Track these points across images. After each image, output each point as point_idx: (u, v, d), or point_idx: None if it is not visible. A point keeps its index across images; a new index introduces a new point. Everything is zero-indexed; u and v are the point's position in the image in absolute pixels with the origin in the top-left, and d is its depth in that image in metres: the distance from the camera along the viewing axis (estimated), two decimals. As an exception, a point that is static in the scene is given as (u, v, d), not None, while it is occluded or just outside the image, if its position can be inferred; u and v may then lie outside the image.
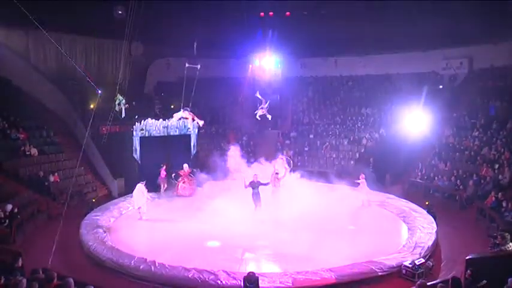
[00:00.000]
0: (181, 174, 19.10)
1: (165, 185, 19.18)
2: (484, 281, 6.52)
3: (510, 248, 8.72)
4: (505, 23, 19.15)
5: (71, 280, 7.02)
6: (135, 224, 15.17)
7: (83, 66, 23.39)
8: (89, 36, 23.92)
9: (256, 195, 15.23)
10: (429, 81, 25.89)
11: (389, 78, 27.76)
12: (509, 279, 5.82)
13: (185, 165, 19.31)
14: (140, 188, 15.72)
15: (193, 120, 16.78)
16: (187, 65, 16.65)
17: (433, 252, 11.84)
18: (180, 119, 17.08)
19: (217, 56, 26.95)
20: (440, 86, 25.05)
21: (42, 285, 6.41)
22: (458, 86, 24.57)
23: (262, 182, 15.37)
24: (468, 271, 7.24)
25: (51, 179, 17.64)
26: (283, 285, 9.75)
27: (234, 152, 19.19)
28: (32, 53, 22.47)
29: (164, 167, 19.20)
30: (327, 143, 24.41)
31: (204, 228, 14.43)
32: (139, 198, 15.58)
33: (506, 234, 8.93)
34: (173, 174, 19.09)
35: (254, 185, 15.27)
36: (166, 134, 20.52)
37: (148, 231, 14.46)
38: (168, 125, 20.56)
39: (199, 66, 16.77)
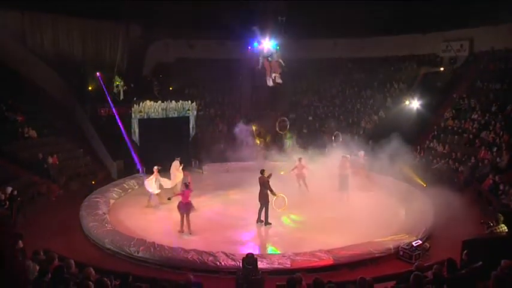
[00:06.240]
0: None
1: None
2: (480, 263, 6.60)
3: (502, 229, 8.85)
4: (506, 5, 18.95)
5: (72, 261, 7.11)
6: (135, 206, 15.24)
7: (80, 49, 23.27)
8: (86, 18, 23.60)
9: (263, 195, 13.20)
10: (429, 63, 25.78)
11: (388, 60, 27.58)
12: (503, 261, 5.90)
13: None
14: (176, 164, 15.97)
15: None
16: None
17: (430, 234, 11.97)
18: None
19: (217, 38, 26.71)
20: (441, 68, 24.87)
21: (43, 266, 6.48)
22: (458, 69, 24.40)
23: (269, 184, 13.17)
24: (464, 252, 7.33)
25: (50, 160, 17.63)
26: (281, 267, 9.89)
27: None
28: (29, 35, 22.17)
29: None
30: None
31: (203, 210, 14.54)
32: (176, 175, 15.84)
33: (500, 215, 9.06)
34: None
35: (261, 182, 13.23)
36: (165, 116, 20.49)
37: (148, 213, 14.55)
38: (166, 107, 20.51)
39: None
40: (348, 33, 26.11)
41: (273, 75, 13.69)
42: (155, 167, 15.30)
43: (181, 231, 12.64)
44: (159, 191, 15.13)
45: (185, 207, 12.60)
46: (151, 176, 15.11)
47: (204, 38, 26.79)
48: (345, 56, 28.94)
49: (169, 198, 13.69)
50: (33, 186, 15.92)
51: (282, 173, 16.70)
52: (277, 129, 20.38)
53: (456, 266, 6.86)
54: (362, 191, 15.77)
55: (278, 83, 13.93)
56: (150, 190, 14.98)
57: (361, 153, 17.31)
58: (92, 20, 23.76)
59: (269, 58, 13.49)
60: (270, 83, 13.99)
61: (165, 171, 16.74)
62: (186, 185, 13.22)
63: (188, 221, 12.60)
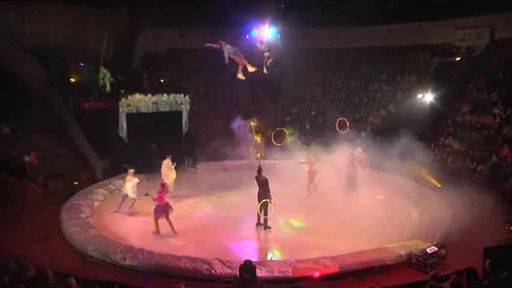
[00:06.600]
0: None
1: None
2: (505, 274, 6.37)
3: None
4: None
5: (50, 272, 6.91)
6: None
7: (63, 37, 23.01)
8: (70, 4, 23.33)
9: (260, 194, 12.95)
10: (443, 53, 25.61)
11: (399, 51, 27.39)
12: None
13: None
14: (168, 163, 15.99)
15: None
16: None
17: (447, 240, 11.77)
18: None
19: (213, 27, 26.55)
20: (458, 58, 24.66)
21: (15, 276, 6.28)
22: (476, 58, 24.16)
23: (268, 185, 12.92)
24: (487, 262, 7.13)
25: (26, 159, 17.30)
26: (282, 275, 9.74)
27: None
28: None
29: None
30: None
31: (197, 212, 14.48)
32: (168, 174, 15.80)
33: None
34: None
35: (260, 183, 13.04)
36: (155, 111, 20.34)
37: (136, 217, 14.37)
38: (157, 101, 20.35)
39: None
40: (354, 22, 25.97)
41: (268, 62, 15.38)
42: (130, 170, 15.01)
43: (157, 232, 12.48)
44: (135, 196, 14.72)
45: (163, 210, 12.41)
46: (128, 179, 14.74)
47: (197, 27, 26.60)
48: (350, 46, 28.83)
49: (146, 194, 13.40)
50: (8, 187, 15.72)
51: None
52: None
53: (477, 276, 6.66)
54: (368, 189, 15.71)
55: (256, 71, 14.91)
56: (130, 194, 14.71)
57: (358, 149, 17.22)
58: (77, 6, 23.52)
59: (238, 52, 14.44)
60: (240, 76, 14.81)
61: (155, 171, 16.63)
62: (162, 185, 12.96)
63: (170, 222, 12.45)
